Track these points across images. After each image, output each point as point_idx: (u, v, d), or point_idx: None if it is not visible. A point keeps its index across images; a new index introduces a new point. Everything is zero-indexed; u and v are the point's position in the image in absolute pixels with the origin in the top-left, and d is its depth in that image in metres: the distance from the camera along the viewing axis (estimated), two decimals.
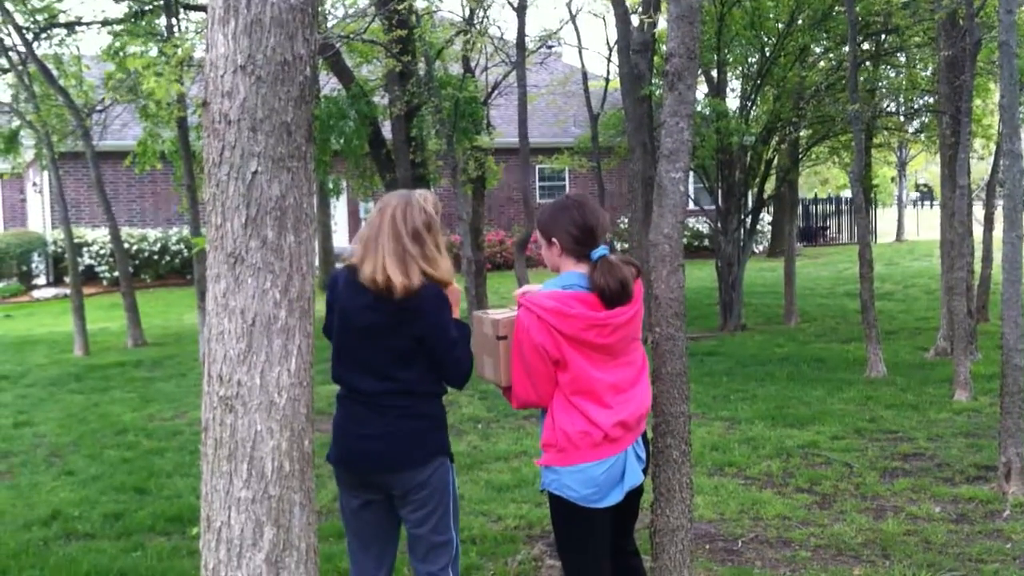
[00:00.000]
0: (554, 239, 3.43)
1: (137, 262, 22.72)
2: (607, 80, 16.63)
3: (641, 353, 3.56)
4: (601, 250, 3.41)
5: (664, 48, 14.69)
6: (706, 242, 27.10)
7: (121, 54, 11.90)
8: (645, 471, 3.62)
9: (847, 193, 35.82)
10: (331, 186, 18.12)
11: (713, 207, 14.66)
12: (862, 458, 7.16)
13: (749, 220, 15.57)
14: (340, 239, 26.76)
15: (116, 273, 18.31)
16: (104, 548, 5.59)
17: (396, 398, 3.47)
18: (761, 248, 29.50)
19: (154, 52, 11.61)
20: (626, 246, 25.55)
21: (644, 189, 8.63)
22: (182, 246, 23.46)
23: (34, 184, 25.62)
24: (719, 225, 15.04)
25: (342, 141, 14.39)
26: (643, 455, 3.57)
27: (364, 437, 3.48)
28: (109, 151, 20.77)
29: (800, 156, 15.89)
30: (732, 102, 16.04)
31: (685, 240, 23.55)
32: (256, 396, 2.85)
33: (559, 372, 3.33)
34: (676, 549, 4.16)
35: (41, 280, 23.61)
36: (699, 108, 14.16)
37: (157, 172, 20.13)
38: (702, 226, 27.37)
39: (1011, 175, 6.06)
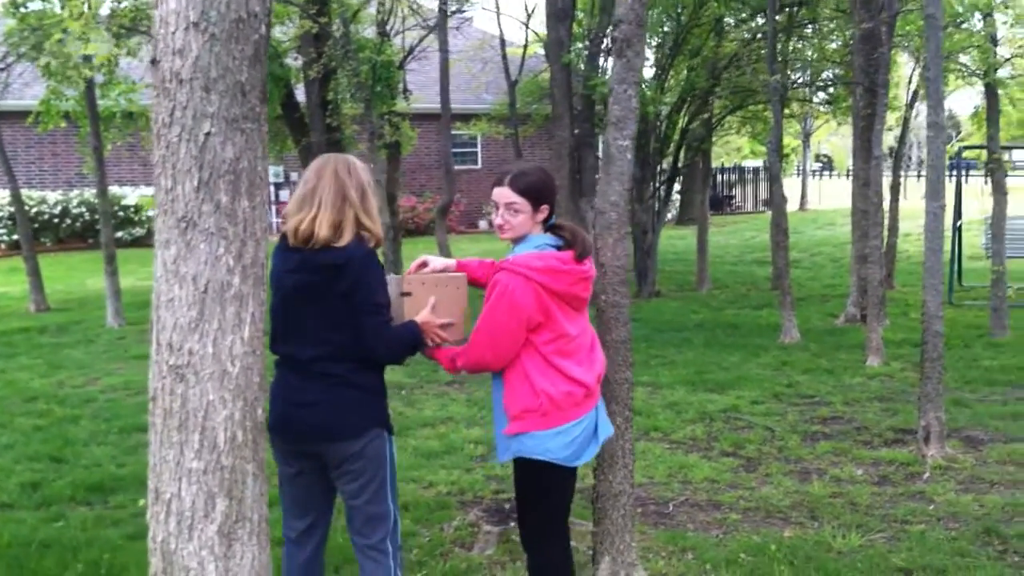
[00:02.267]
0: (544, 206, 3.41)
1: (36, 225, 21.91)
2: (525, 46, 16.57)
3: (587, 316, 3.60)
4: (552, 218, 3.50)
5: (582, 16, 14.68)
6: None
7: (24, 9, 11.40)
8: None
9: (751, 163, 36.51)
10: None
11: None
12: (783, 422, 7.32)
13: (663, 189, 15.72)
14: None
15: (16, 236, 17.67)
16: (23, 518, 5.41)
17: (329, 364, 3.34)
18: (670, 216, 29.86)
19: (58, 8, 11.15)
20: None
21: (570, 158, 8.61)
22: (83, 209, 22.73)
23: None
24: (634, 193, 15.14)
25: None
26: (605, 408, 3.65)
27: (298, 405, 3.37)
28: (9, 111, 19.99)
29: (714, 126, 16.08)
30: (647, 71, 16.13)
31: None
32: (208, 365, 2.77)
33: (536, 333, 3.30)
34: (619, 514, 4.20)
35: None
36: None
37: (58, 133, 19.43)
38: None
39: (934, 147, 6.21)
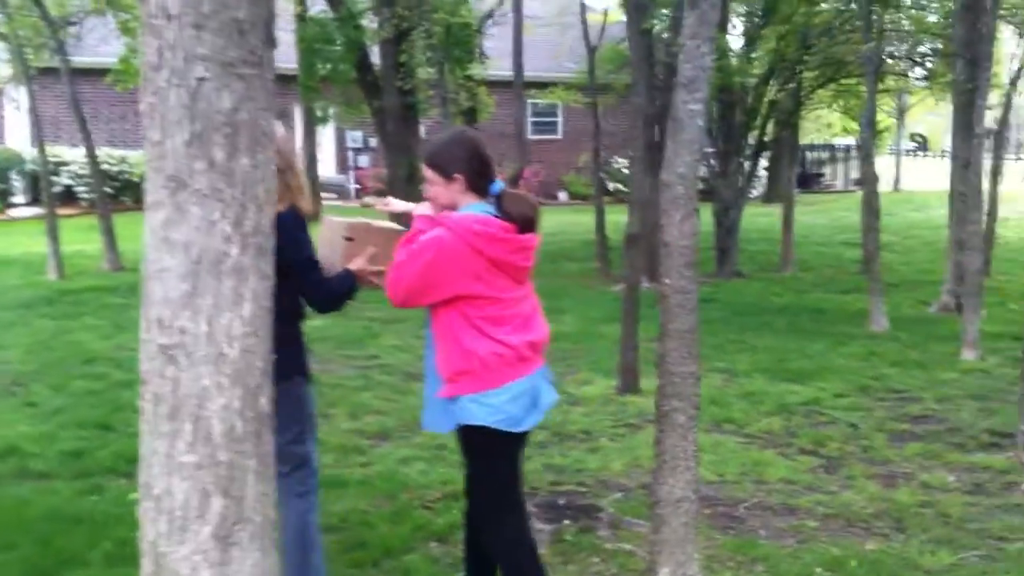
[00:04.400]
0: (456, 175, 3.32)
1: (118, 184, 22.02)
2: (606, 12, 16.00)
3: (531, 286, 3.50)
4: (498, 184, 3.36)
5: None
6: (700, 185, 26.56)
7: None
8: None
9: (842, 140, 35.27)
10: (318, 114, 17.48)
11: (712, 149, 14.18)
12: (868, 419, 6.78)
13: (748, 164, 15.07)
14: (326, 168, 26.17)
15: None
16: (59, 489, 5.15)
17: None
18: (755, 193, 29.02)
19: None
20: (623, 189, 25.11)
21: (646, 127, 8.14)
22: None
23: (13, 100, 24.85)
24: (718, 168, 14.55)
25: (328, 66, 13.82)
26: (551, 378, 3.52)
27: None
28: (89, 68, 20.04)
29: (803, 99, 15.35)
30: (734, 41, 15.46)
31: (611, 185, 23.31)
32: (202, 346, 2.40)
33: (468, 301, 3.24)
34: (679, 522, 3.75)
35: (19, 199, 22.97)
36: None
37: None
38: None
39: None
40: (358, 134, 26.02)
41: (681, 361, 3.64)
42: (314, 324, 8.62)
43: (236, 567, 2.48)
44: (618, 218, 15.73)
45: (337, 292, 3.50)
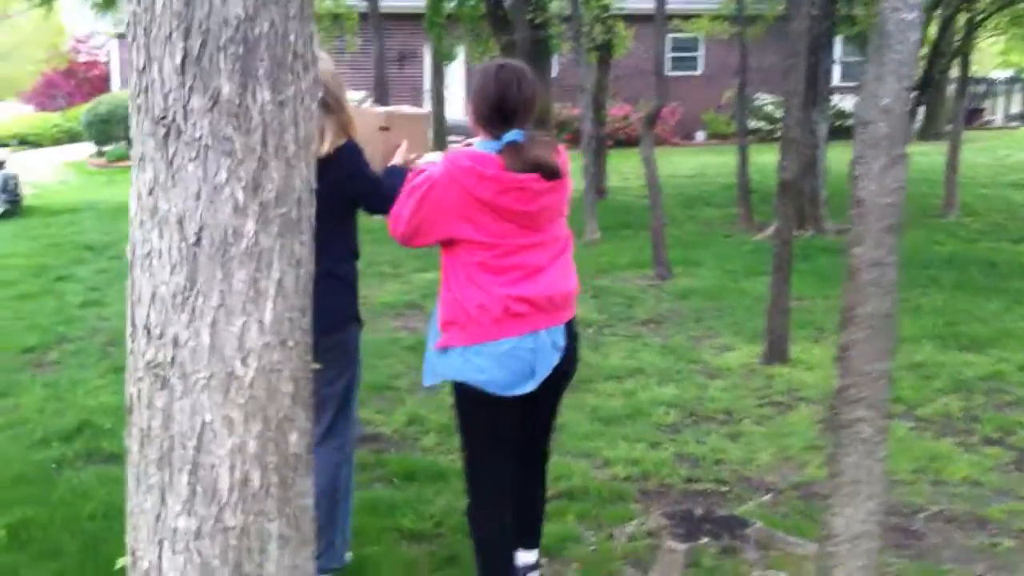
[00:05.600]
0: (470, 104, 3.11)
1: None
2: None
3: (566, 233, 3.19)
4: (513, 135, 3.00)
5: None
6: (850, 122, 24.92)
7: None
8: (564, 363, 3.12)
9: (1000, 72, 32.70)
10: (445, 51, 16.71)
11: (859, 84, 12.85)
12: None
13: (912, 99, 13.71)
14: (454, 110, 25.47)
15: None
16: (123, 476, 4.63)
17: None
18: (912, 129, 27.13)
19: None
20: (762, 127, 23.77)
21: (808, 54, 7.19)
22: None
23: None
24: None
25: (456, 1, 13.06)
26: (561, 343, 3.10)
27: None
28: None
29: (976, 27, 13.83)
30: None
31: (752, 123, 21.59)
32: (204, 364, 1.70)
33: (460, 245, 2.99)
34: (857, 564, 2.92)
35: None
36: None
37: None
38: (847, 104, 25.16)
39: None
40: None
41: (871, 356, 2.78)
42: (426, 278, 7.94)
43: None
44: (760, 159, 14.64)
45: (399, 189, 3.37)
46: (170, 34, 1.57)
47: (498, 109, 3.01)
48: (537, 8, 12.34)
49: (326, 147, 3.24)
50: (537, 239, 3.02)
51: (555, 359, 3.06)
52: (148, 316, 1.69)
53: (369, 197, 3.43)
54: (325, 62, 3.23)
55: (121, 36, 24.80)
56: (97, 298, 8.60)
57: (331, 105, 3.25)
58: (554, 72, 23.02)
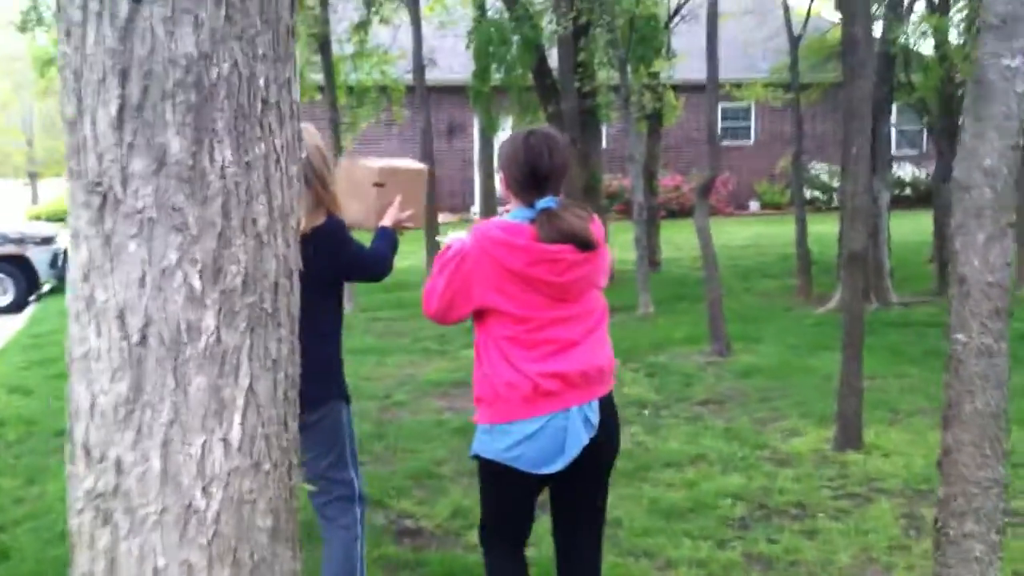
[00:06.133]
0: (501, 171, 3.08)
1: None
2: (811, 1, 14.42)
3: (601, 305, 3.10)
4: (546, 201, 2.97)
5: None
6: (907, 191, 24.35)
7: None
8: (600, 440, 3.00)
9: None
10: (491, 122, 16.56)
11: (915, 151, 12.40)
12: None
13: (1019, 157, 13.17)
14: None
15: None
16: None
17: None
18: None
19: None
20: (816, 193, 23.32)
21: (871, 114, 6.83)
22: None
23: None
24: (937, 169, 12.76)
25: (503, 71, 12.87)
26: (595, 419, 2.98)
27: None
28: None
29: None
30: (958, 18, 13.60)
31: (807, 192, 20.74)
32: (154, 495, 1.33)
33: (492, 316, 2.93)
34: None
35: None
36: (915, 30, 11.96)
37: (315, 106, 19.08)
38: (904, 172, 24.63)
39: None
40: None
41: (980, 462, 2.35)
42: None
43: None
44: (816, 229, 14.17)
45: (387, 256, 3.48)
46: (103, 76, 1.24)
47: (531, 176, 2.95)
48: (585, 77, 12.09)
49: (302, 224, 3.16)
50: (570, 312, 2.96)
51: (587, 436, 2.96)
52: (87, 433, 1.34)
53: (354, 272, 3.46)
54: (311, 135, 3.18)
55: None
56: None
57: (309, 179, 3.14)
58: (604, 143, 22.89)
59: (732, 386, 7.47)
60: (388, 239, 3.51)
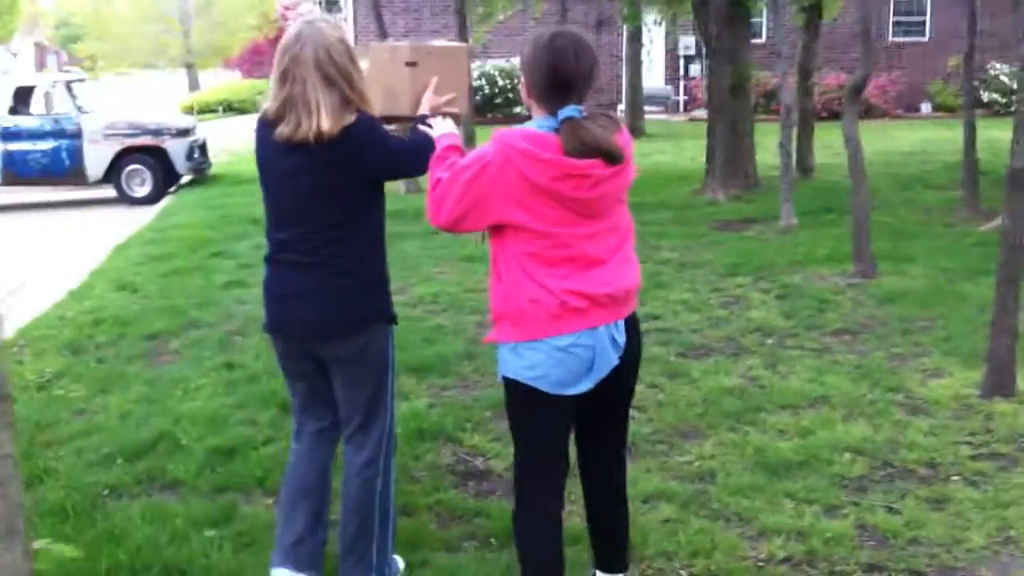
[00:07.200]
0: (523, 76, 2.90)
1: None
2: None
3: (627, 220, 2.98)
4: (569, 110, 2.76)
5: None
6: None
7: None
8: (624, 359, 2.93)
9: None
10: (631, 14, 15.44)
11: None
12: None
13: None
14: (654, 78, 24.30)
15: None
16: (176, 512, 3.87)
17: (330, 253, 3.09)
18: None
19: None
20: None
21: None
22: (482, 82, 21.85)
23: None
24: None
25: None
26: (621, 340, 2.91)
27: (295, 298, 3.13)
28: None
29: None
30: None
31: (985, 95, 19.16)
32: None
33: (512, 231, 2.80)
34: None
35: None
36: None
37: None
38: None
39: None
40: (691, 39, 23.87)
41: None
42: None
43: None
44: (992, 135, 12.85)
45: (424, 147, 3.13)
46: None
47: (553, 81, 2.78)
48: None
49: (345, 121, 3.00)
50: (595, 229, 2.85)
51: (615, 357, 2.90)
52: None
53: (391, 172, 3.24)
54: (333, 28, 3.04)
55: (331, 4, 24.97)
56: (243, 278, 8.10)
57: (332, 78, 2.97)
58: (762, 38, 21.53)
59: (871, 314, 6.70)
60: (425, 136, 3.20)
